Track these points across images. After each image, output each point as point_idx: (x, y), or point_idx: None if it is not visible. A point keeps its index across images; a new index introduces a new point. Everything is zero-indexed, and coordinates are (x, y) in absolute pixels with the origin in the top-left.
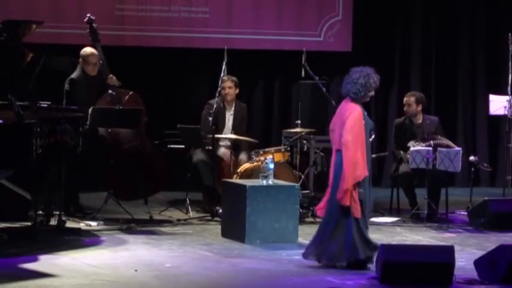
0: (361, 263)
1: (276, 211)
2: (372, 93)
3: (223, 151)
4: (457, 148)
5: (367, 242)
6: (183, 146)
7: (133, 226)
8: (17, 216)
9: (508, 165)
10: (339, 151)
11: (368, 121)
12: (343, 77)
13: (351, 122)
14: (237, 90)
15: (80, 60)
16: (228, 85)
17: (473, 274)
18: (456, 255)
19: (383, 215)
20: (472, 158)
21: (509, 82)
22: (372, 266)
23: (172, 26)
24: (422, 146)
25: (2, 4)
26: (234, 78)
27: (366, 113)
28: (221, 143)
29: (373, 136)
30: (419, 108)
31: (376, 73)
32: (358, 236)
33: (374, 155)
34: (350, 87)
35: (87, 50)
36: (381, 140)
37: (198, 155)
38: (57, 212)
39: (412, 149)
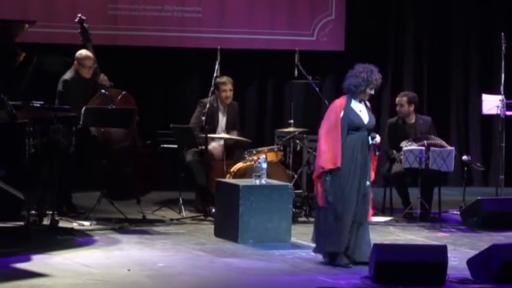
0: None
1: (269, 211)
2: (372, 91)
3: (213, 145)
4: (449, 148)
5: (335, 238)
6: (175, 146)
7: (126, 226)
8: (9, 216)
9: (501, 164)
10: None
11: (352, 115)
12: (338, 76)
13: (327, 113)
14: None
15: (75, 62)
16: (229, 88)
17: (466, 273)
18: (449, 255)
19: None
20: (464, 157)
21: (502, 81)
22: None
23: (165, 26)
24: (415, 146)
25: None
26: (231, 80)
27: (357, 109)
28: (213, 143)
29: (377, 138)
30: (412, 108)
31: (379, 73)
32: (323, 226)
33: None
34: (352, 80)
35: (83, 52)
36: None
37: (191, 155)
38: (50, 212)
39: (405, 148)
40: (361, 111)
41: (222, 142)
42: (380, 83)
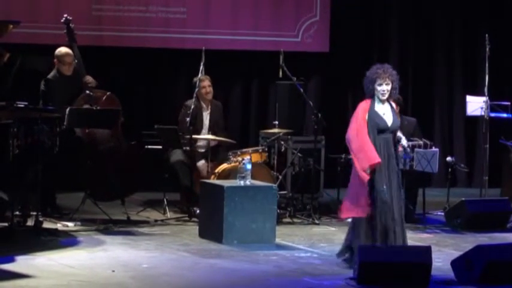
0: None
1: (253, 212)
2: (382, 86)
3: (201, 164)
4: (434, 149)
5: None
6: (160, 147)
7: (110, 227)
8: None
9: (485, 165)
10: None
11: (377, 119)
12: (322, 77)
13: (353, 116)
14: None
15: (55, 60)
16: (208, 84)
17: (450, 275)
18: (433, 256)
19: None
20: (449, 158)
21: (486, 83)
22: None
23: (149, 26)
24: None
25: None
26: (208, 77)
27: (381, 111)
28: (198, 143)
29: (402, 140)
30: (397, 110)
31: (380, 64)
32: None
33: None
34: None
35: (62, 50)
36: None
37: (176, 156)
38: (34, 213)
39: None
40: (385, 113)
41: (204, 162)
42: (388, 75)
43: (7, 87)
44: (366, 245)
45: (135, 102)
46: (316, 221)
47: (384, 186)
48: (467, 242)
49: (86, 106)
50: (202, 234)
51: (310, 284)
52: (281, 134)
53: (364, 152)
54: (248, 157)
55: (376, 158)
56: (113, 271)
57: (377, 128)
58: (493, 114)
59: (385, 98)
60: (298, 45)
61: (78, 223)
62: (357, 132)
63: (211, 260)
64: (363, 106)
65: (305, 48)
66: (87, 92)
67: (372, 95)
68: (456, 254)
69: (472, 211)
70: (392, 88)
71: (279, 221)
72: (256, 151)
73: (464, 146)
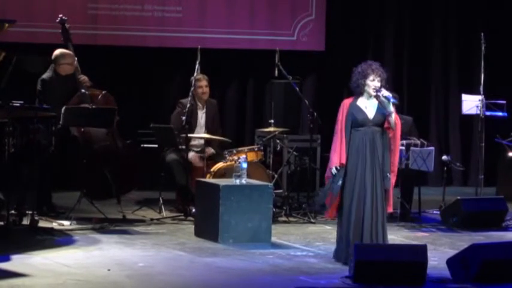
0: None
1: (249, 210)
2: (375, 82)
3: (192, 155)
4: (429, 147)
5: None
6: (156, 146)
7: (106, 225)
8: None
9: (481, 164)
10: None
11: (355, 112)
12: (318, 75)
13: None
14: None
15: (53, 62)
16: (205, 84)
17: (446, 273)
18: (429, 255)
19: None
20: (444, 157)
21: (482, 82)
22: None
23: (145, 25)
24: None
25: None
26: (206, 77)
27: (363, 105)
28: (193, 142)
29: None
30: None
31: (370, 62)
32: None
33: None
34: (352, 78)
35: (58, 52)
36: None
37: (172, 155)
38: (30, 212)
39: None
40: (367, 107)
41: (201, 141)
42: (380, 73)
43: (2, 86)
44: (361, 244)
45: (131, 101)
46: (312, 220)
47: (339, 183)
48: (463, 240)
49: (83, 105)
50: (198, 233)
51: (306, 283)
52: (277, 132)
53: (336, 153)
54: (244, 156)
55: (343, 160)
56: (109, 270)
57: (355, 122)
58: (488, 113)
59: (375, 93)
60: (294, 44)
61: (74, 222)
62: (335, 132)
63: (207, 259)
64: (345, 102)
65: (301, 47)
66: (83, 90)
67: (358, 91)
68: (452, 252)
69: (467, 210)
70: (381, 86)
71: (275, 220)
72: (252, 150)
73: (459, 145)
